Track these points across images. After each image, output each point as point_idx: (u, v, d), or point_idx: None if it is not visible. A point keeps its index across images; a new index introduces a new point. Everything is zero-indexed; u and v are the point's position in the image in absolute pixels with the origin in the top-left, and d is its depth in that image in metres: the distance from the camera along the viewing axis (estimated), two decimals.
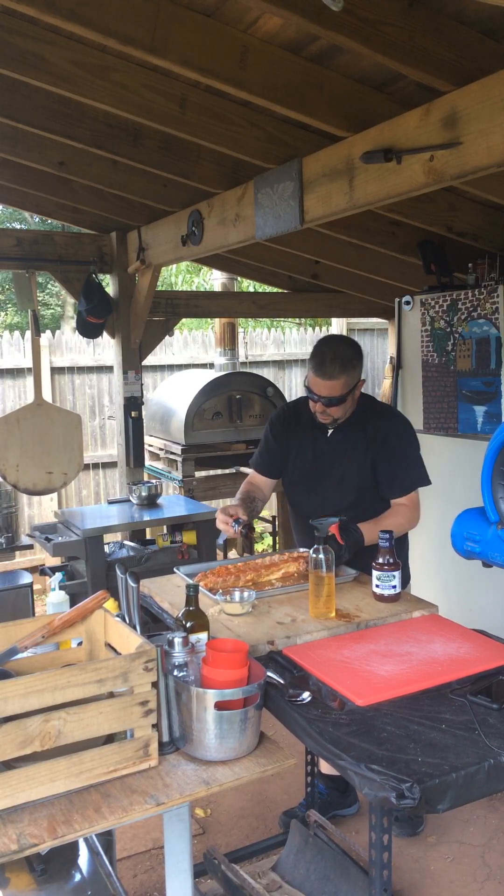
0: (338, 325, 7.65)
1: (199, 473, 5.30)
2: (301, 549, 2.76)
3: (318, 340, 2.74)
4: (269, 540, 6.63)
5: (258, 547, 6.63)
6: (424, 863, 2.73)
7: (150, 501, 4.45)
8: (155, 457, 5.55)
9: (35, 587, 4.75)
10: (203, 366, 6.90)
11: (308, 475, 2.81)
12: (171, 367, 6.87)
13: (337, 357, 2.59)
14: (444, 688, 1.85)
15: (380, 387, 7.13)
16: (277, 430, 2.90)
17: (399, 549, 2.75)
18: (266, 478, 2.95)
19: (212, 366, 6.41)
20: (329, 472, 2.77)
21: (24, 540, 5.24)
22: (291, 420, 2.88)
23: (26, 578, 4.47)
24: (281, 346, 7.50)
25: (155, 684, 1.62)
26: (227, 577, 2.51)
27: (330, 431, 2.77)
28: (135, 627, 1.84)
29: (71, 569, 4.24)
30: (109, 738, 1.64)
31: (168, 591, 2.53)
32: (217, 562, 2.76)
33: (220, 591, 2.37)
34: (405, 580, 2.82)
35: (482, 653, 2.01)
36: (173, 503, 4.59)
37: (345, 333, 7.61)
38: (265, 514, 6.87)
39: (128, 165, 3.72)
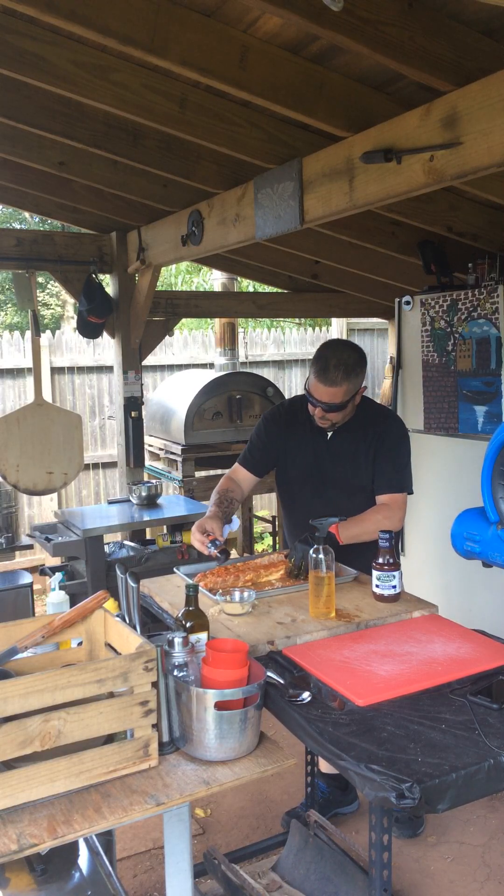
0: (338, 325, 7.65)
1: (199, 473, 5.30)
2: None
3: (322, 344, 2.72)
4: (269, 540, 6.63)
5: (258, 547, 6.63)
6: (424, 863, 2.73)
7: (150, 501, 4.45)
8: (155, 457, 5.55)
9: (35, 587, 4.75)
10: (203, 366, 6.90)
11: (310, 477, 2.80)
12: (171, 367, 6.87)
13: (340, 364, 2.57)
14: (444, 688, 1.85)
15: (380, 387, 7.12)
16: (272, 429, 2.86)
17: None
18: (251, 475, 2.90)
19: (212, 366, 6.41)
20: (332, 474, 2.76)
21: (24, 540, 5.23)
22: (288, 419, 2.85)
23: (26, 578, 4.47)
24: (281, 346, 7.50)
25: (155, 684, 1.62)
26: (227, 577, 2.51)
27: (330, 434, 2.77)
28: (135, 627, 1.84)
29: (71, 569, 4.25)
30: (109, 738, 1.64)
31: (168, 591, 2.53)
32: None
33: (220, 591, 2.38)
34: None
35: (482, 653, 2.01)
36: (173, 503, 4.59)
37: (345, 333, 7.60)
38: (265, 513, 6.87)
39: (128, 165, 3.72)
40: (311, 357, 7.65)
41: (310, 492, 2.81)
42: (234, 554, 5.84)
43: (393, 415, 2.91)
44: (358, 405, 2.74)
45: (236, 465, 2.94)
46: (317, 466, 2.78)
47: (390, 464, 2.71)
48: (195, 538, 2.61)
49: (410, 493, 2.75)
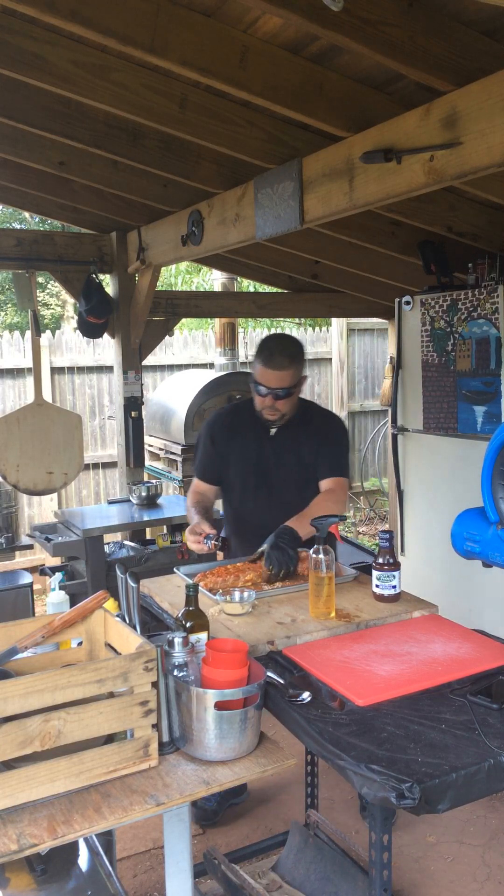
0: (338, 325, 7.65)
1: None
2: (300, 550, 2.75)
3: (263, 338, 2.86)
4: None
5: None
6: (424, 863, 2.73)
7: (150, 501, 4.45)
8: (155, 457, 5.55)
9: (35, 587, 4.75)
10: (203, 366, 6.90)
11: (253, 475, 2.84)
12: (171, 367, 6.86)
13: (284, 350, 2.74)
14: (444, 688, 1.85)
15: (380, 387, 7.13)
16: (217, 436, 2.91)
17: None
18: (210, 485, 2.95)
19: (212, 366, 6.41)
20: (275, 471, 2.82)
21: (24, 540, 5.24)
22: (231, 424, 2.91)
23: (26, 578, 4.47)
24: None
25: (155, 684, 1.62)
26: (227, 577, 2.51)
27: (273, 431, 2.83)
28: (135, 627, 1.84)
29: (71, 569, 4.25)
30: (109, 738, 1.64)
31: (168, 591, 2.53)
32: (217, 562, 2.76)
33: (220, 591, 2.37)
34: None
35: (482, 653, 2.01)
36: (173, 503, 4.59)
37: (345, 333, 7.62)
38: None
39: (128, 165, 3.71)
40: (310, 357, 7.68)
41: (252, 490, 2.85)
42: None
43: (334, 413, 3.11)
44: (300, 405, 2.84)
45: (195, 479, 3.00)
46: (259, 464, 2.84)
47: (334, 451, 2.82)
48: (190, 541, 2.67)
49: (349, 480, 2.88)
